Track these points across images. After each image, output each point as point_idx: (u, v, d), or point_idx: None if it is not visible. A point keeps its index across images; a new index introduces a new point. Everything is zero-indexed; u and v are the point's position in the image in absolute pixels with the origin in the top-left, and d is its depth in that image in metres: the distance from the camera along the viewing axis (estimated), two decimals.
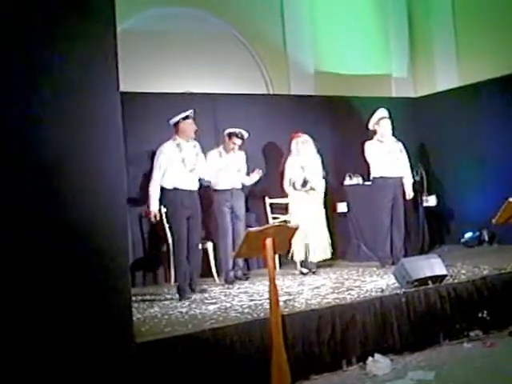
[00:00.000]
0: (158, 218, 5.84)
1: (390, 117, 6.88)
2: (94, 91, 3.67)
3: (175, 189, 5.74)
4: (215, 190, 6.53)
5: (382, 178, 6.79)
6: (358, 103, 8.04)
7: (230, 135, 6.53)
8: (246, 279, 6.57)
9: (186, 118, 5.81)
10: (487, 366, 4.43)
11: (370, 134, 6.92)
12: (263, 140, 7.46)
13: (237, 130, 6.53)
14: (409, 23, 9.25)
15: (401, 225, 6.83)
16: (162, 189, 5.78)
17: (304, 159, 6.69)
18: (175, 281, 5.94)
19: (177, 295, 5.65)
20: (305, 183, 6.61)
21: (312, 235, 6.56)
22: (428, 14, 9.02)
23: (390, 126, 6.84)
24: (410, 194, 6.96)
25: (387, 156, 6.79)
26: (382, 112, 6.87)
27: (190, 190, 5.82)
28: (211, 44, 7.67)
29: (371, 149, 6.84)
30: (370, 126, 6.91)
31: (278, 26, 8.26)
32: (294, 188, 6.63)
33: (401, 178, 6.89)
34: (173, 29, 7.49)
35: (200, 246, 6.20)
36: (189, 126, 5.82)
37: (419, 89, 9.15)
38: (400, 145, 6.96)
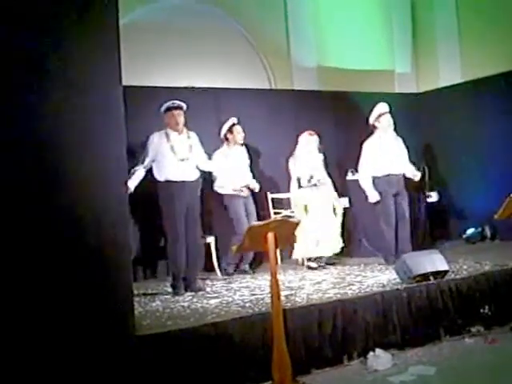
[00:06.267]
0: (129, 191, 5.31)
1: (391, 111, 6.84)
2: (96, 85, 3.67)
3: (167, 181, 5.54)
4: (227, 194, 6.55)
5: (383, 176, 6.73)
6: (361, 98, 8.02)
7: (231, 128, 6.53)
8: (253, 273, 6.55)
9: (168, 110, 5.65)
10: (488, 361, 4.43)
11: (371, 129, 6.87)
12: (265, 135, 7.44)
13: (232, 119, 6.53)
14: (412, 18, 9.23)
15: (405, 221, 6.75)
16: (156, 182, 5.62)
17: (310, 156, 6.73)
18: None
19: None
20: (310, 179, 6.64)
21: (320, 230, 6.58)
22: (431, 9, 8.99)
23: (391, 121, 6.75)
24: (416, 176, 6.80)
25: (387, 154, 6.72)
26: (382, 107, 6.77)
27: (184, 181, 5.55)
28: (214, 38, 7.64)
29: (369, 150, 6.77)
30: (371, 121, 6.85)
31: (281, 20, 8.24)
32: (300, 185, 6.65)
33: (403, 175, 6.83)
34: (175, 23, 7.47)
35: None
36: (169, 119, 5.63)
37: (422, 84, 9.13)
38: (400, 141, 6.91)
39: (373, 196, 6.71)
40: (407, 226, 6.76)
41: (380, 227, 6.78)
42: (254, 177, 6.85)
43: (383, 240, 6.76)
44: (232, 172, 6.53)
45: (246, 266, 6.62)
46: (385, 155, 6.71)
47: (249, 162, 6.83)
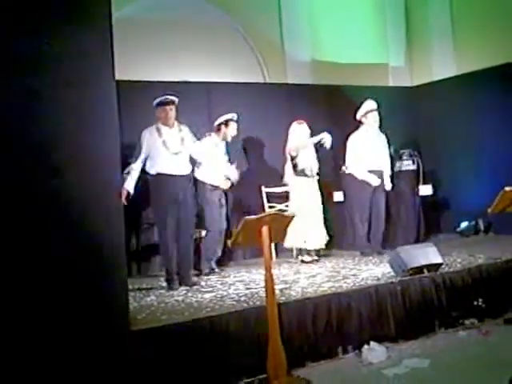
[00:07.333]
0: (127, 199, 5.33)
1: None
2: (90, 80, 3.66)
3: (158, 174, 5.50)
4: (209, 184, 6.36)
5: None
6: (355, 92, 8.02)
7: (228, 121, 6.44)
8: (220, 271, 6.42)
9: (160, 104, 5.61)
10: (482, 353, 4.45)
11: (358, 124, 6.94)
12: (259, 129, 7.44)
13: (233, 115, 6.45)
14: (406, 12, 9.24)
15: (380, 217, 6.87)
16: (147, 176, 5.58)
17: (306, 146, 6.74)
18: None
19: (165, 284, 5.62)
20: (311, 170, 6.67)
21: (313, 222, 6.57)
22: (425, 3, 9.00)
23: (377, 119, 6.85)
24: (388, 185, 6.97)
25: (371, 149, 6.80)
26: (370, 104, 6.86)
27: (177, 175, 5.53)
28: (207, 32, 7.62)
29: (353, 143, 6.87)
30: (358, 117, 6.92)
31: (274, 14, 8.23)
32: (305, 175, 6.65)
33: (381, 172, 6.91)
34: (169, 17, 7.44)
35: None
36: (161, 114, 5.60)
37: (416, 78, 9.14)
38: (383, 138, 6.98)
39: (373, 179, 6.78)
40: (381, 223, 6.89)
41: (354, 221, 6.89)
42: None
43: (357, 234, 6.89)
44: (217, 163, 6.40)
45: (213, 264, 6.41)
46: (367, 150, 6.81)
47: (227, 158, 6.62)
